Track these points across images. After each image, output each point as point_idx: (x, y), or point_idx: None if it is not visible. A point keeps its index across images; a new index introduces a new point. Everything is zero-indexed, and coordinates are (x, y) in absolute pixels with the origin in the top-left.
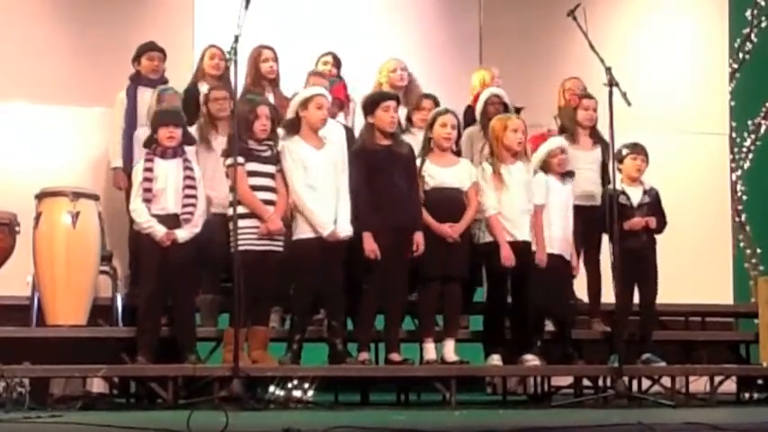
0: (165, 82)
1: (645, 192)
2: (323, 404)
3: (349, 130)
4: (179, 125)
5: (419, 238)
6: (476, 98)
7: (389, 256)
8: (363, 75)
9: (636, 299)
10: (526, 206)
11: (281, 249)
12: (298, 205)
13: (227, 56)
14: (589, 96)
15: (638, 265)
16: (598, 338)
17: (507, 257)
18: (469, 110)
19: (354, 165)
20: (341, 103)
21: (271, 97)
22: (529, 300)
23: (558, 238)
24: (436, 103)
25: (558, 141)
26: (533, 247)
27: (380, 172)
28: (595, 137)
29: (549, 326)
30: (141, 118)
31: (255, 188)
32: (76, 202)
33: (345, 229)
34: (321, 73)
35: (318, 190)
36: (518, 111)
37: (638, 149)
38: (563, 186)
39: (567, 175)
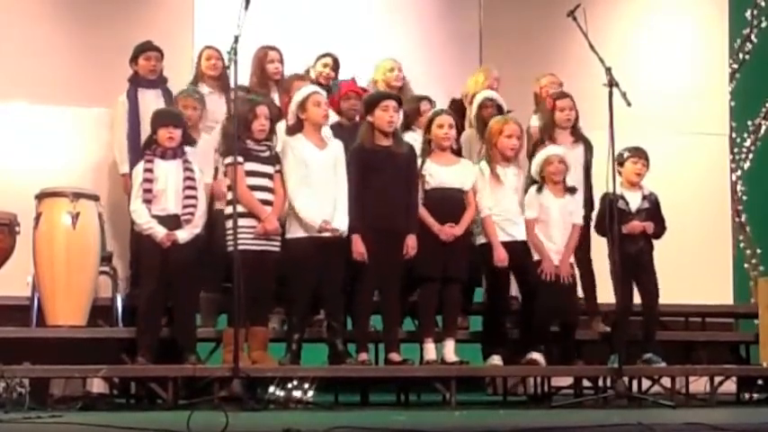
0: (165, 81)
1: (644, 197)
2: (323, 404)
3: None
4: (178, 126)
5: (411, 241)
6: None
7: (382, 257)
8: (363, 74)
9: (637, 299)
10: (519, 208)
11: (278, 249)
12: (290, 201)
13: (228, 56)
14: (562, 96)
15: (635, 269)
16: (598, 339)
17: (500, 258)
18: (453, 103)
19: (351, 164)
20: (349, 97)
21: (276, 98)
22: (536, 301)
23: (557, 251)
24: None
25: (554, 150)
26: (534, 255)
27: (376, 172)
28: (576, 135)
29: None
30: (143, 119)
31: (253, 188)
32: (76, 203)
33: (340, 224)
34: (301, 76)
35: (315, 188)
36: (502, 111)
37: (639, 153)
38: (562, 201)
39: (568, 190)
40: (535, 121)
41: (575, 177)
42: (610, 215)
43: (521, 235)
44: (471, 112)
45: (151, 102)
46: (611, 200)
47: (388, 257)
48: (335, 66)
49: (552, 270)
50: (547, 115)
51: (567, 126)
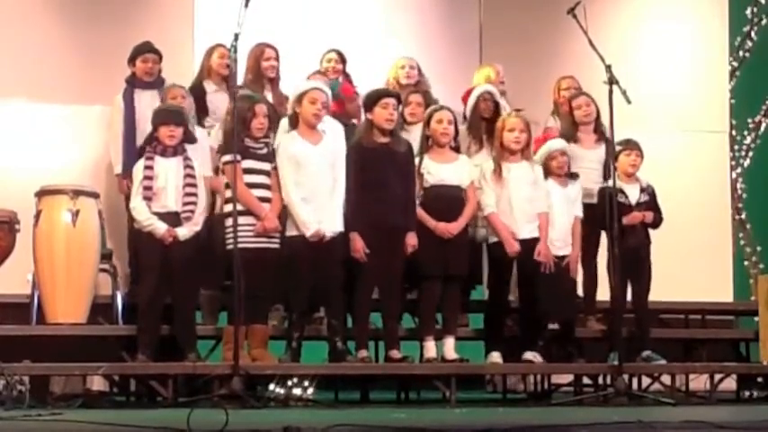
0: (162, 83)
1: (642, 189)
2: (323, 402)
3: (353, 127)
4: (180, 124)
5: (411, 239)
6: (467, 94)
7: (382, 254)
8: (363, 74)
9: (628, 296)
10: (529, 205)
11: (277, 247)
12: (286, 202)
13: (229, 54)
14: (577, 95)
15: (633, 262)
16: (598, 336)
17: (513, 250)
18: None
19: (349, 161)
20: (353, 99)
21: (269, 96)
22: (536, 298)
23: (558, 238)
24: (426, 100)
25: (557, 144)
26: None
27: (375, 169)
28: (599, 133)
29: (551, 324)
30: (139, 121)
31: (251, 186)
32: (76, 200)
33: (333, 227)
34: (323, 72)
35: (309, 187)
36: (497, 108)
37: (631, 145)
38: (564, 188)
39: (570, 177)
40: (552, 123)
41: (594, 177)
42: (609, 209)
43: (522, 233)
44: (468, 105)
45: (147, 103)
46: (610, 194)
47: (388, 255)
48: (341, 60)
49: (550, 257)
50: (567, 118)
51: (588, 121)
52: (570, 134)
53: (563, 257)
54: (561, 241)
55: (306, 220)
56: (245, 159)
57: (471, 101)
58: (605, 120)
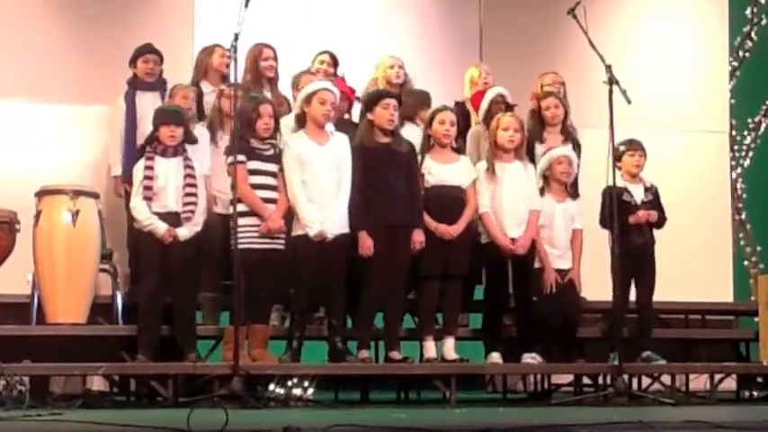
0: (164, 83)
1: (646, 189)
2: (323, 402)
3: (354, 125)
4: (180, 124)
5: (418, 236)
6: (477, 96)
7: (387, 253)
8: (363, 73)
9: (632, 296)
10: (521, 205)
11: (282, 248)
12: (291, 200)
13: (229, 54)
14: (547, 95)
15: (638, 261)
16: (598, 336)
17: (508, 249)
18: (457, 106)
19: (352, 162)
20: (348, 97)
21: (268, 96)
22: (532, 299)
23: (559, 255)
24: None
25: (563, 151)
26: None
27: (377, 169)
28: (566, 134)
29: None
30: (140, 122)
31: (257, 187)
32: (76, 200)
33: (336, 227)
34: (313, 73)
35: (314, 186)
36: (511, 108)
37: (634, 145)
38: (563, 205)
39: (571, 195)
40: None
41: None
42: (611, 209)
43: (515, 233)
44: (481, 108)
45: (149, 104)
46: (611, 194)
47: (394, 255)
48: (333, 62)
49: (554, 282)
50: (534, 116)
51: (556, 123)
52: (536, 132)
53: (565, 271)
54: (562, 256)
55: (309, 219)
56: (250, 160)
57: (485, 105)
58: (606, 119)
